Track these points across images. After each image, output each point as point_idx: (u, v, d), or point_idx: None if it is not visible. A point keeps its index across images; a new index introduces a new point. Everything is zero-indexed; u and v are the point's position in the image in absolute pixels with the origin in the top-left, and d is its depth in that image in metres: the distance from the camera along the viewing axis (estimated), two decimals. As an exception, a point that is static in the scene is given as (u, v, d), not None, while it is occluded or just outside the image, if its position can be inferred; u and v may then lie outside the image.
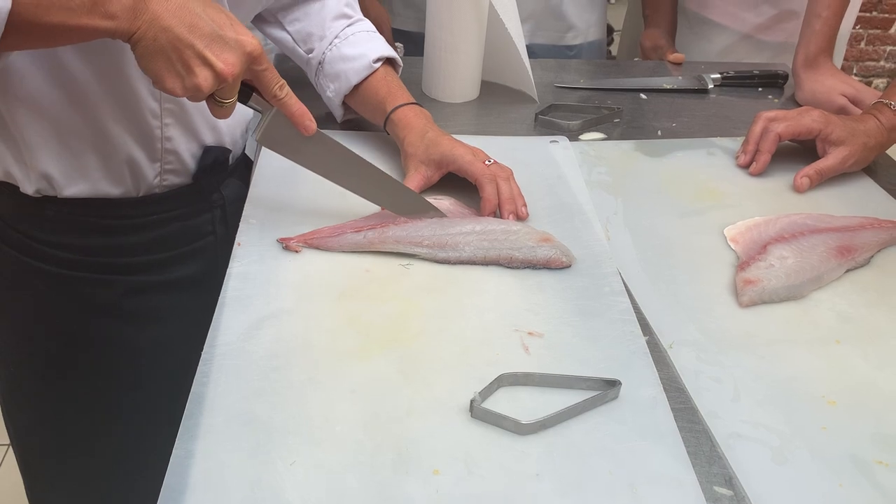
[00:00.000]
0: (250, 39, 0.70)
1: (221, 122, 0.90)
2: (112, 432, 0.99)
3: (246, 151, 1.04)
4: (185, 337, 0.91)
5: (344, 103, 1.04)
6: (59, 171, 0.82)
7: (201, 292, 0.94)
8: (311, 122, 0.78)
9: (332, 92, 1.03)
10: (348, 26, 1.02)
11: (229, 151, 0.94)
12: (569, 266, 0.83)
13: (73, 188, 0.84)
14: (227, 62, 0.68)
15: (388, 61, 1.03)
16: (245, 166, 1.02)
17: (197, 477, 0.58)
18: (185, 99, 0.75)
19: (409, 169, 0.93)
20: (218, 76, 0.68)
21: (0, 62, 0.73)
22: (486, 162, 0.90)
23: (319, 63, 1.02)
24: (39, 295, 0.90)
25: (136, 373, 0.96)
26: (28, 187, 0.84)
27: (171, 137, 0.86)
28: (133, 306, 0.92)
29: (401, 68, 1.06)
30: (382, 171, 0.87)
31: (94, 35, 0.65)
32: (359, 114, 1.05)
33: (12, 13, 0.60)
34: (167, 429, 0.65)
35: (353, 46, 1.01)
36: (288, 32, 1.03)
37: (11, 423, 1.03)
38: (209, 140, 0.90)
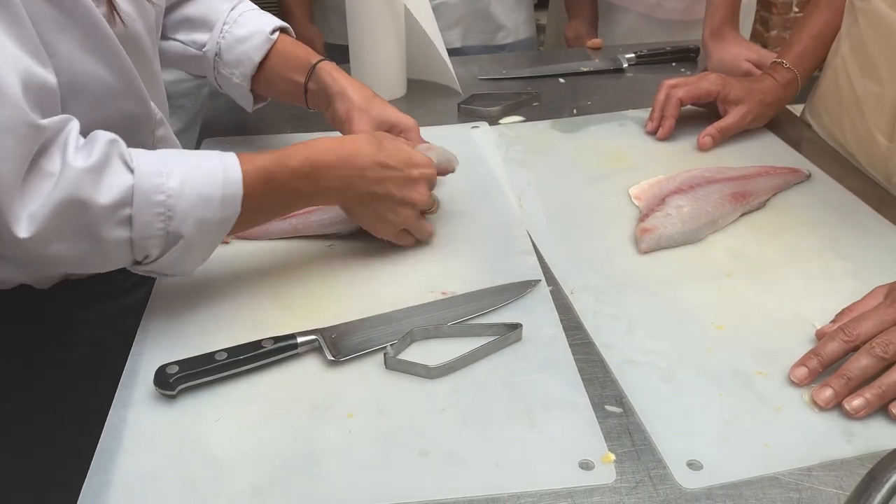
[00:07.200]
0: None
1: None
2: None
3: None
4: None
5: (252, 90, 1.00)
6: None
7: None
8: None
9: (239, 77, 0.98)
10: (232, 10, 0.99)
11: None
12: (453, 171, 0.91)
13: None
14: None
15: (284, 31, 1.00)
16: None
17: (129, 439, 0.63)
18: None
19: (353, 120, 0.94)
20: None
21: None
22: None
23: (216, 55, 0.98)
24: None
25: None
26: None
27: None
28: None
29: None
30: None
31: None
32: (270, 96, 1.03)
33: None
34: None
35: (245, 27, 0.98)
36: (176, 40, 0.99)
37: None
38: None
